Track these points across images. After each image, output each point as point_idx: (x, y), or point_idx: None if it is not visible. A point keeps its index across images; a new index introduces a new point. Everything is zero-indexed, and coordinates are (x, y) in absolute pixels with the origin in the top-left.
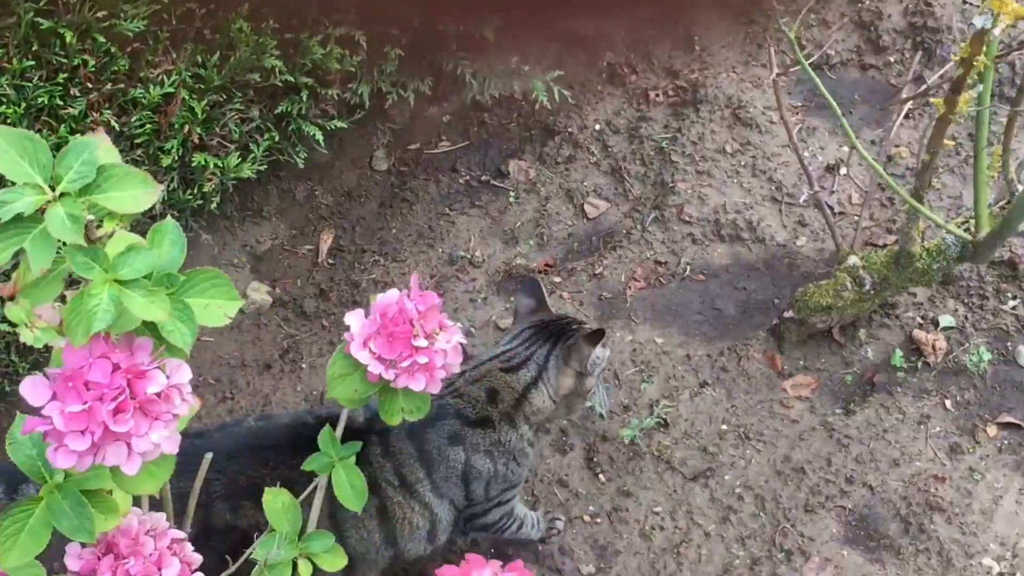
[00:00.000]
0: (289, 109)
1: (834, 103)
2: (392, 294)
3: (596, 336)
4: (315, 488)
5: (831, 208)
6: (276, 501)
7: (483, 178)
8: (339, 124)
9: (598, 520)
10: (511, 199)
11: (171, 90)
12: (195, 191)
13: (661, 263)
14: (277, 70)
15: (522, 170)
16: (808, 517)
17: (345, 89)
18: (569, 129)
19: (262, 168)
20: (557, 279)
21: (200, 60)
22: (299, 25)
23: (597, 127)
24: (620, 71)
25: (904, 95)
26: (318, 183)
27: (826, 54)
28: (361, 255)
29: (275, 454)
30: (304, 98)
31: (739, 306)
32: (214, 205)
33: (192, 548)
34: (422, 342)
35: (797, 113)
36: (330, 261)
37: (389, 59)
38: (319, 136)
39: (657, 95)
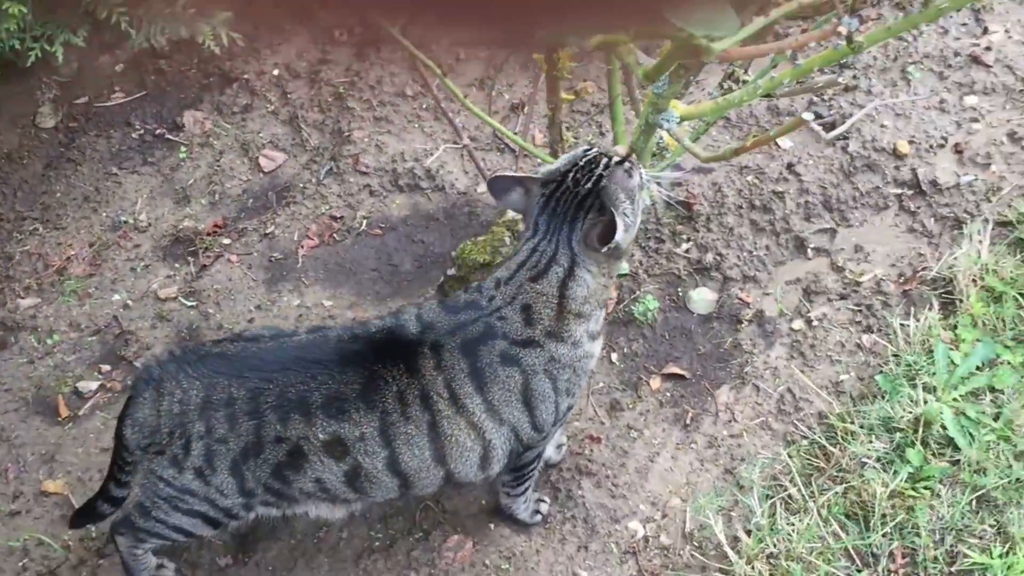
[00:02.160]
0: None
1: (431, 64)
2: None
3: (608, 233)
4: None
5: (513, 151)
6: None
7: (158, 131)
8: None
9: None
10: (183, 155)
11: None
12: None
13: (337, 218)
14: None
15: (198, 122)
16: (455, 491)
17: None
18: (247, 75)
19: None
20: (227, 240)
21: None
22: None
23: (276, 72)
24: (310, 7)
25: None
26: None
27: None
28: (20, 223)
29: (322, 368)
30: None
31: (416, 260)
32: None
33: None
34: None
35: (487, 48)
36: None
37: (11, 15)
38: None
39: (342, 34)
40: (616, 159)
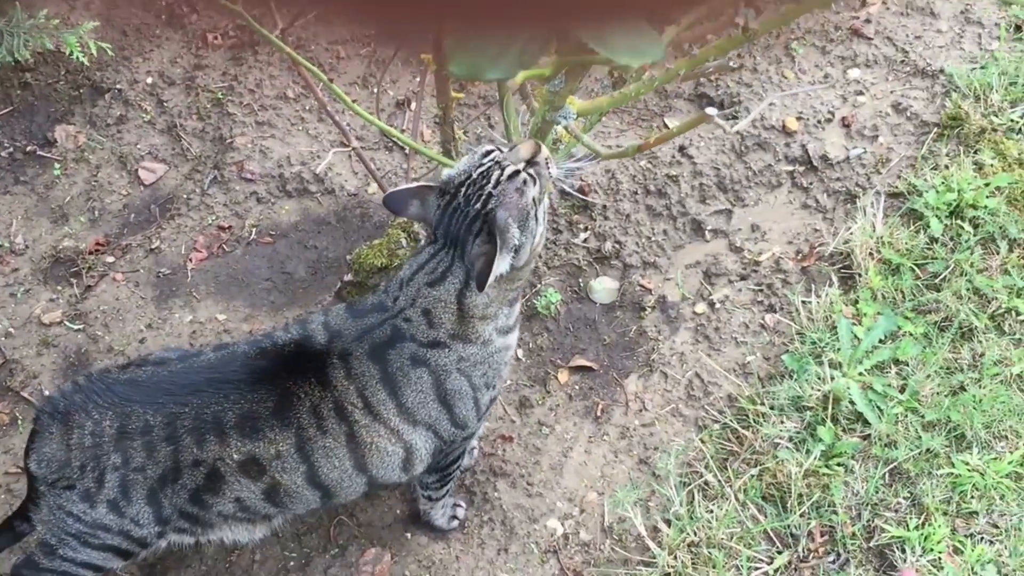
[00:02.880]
0: None
1: (314, 68)
2: None
3: (483, 274)
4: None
5: (402, 149)
6: None
7: (29, 148)
8: None
9: None
10: (57, 171)
11: None
12: None
13: (225, 228)
14: None
15: (71, 136)
16: (369, 503)
17: None
18: (119, 85)
19: None
20: (111, 259)
21: None
22: None
23: (150, 80)
24: (179, 11)
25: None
26: None
27: None
28: None
29: (234, 389)
30: None
31: (310, 267)
32: None
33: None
34: None
35: (369, 44)
36: None
37: None
38: None
39: (216, 37)
40: (509, 170)
